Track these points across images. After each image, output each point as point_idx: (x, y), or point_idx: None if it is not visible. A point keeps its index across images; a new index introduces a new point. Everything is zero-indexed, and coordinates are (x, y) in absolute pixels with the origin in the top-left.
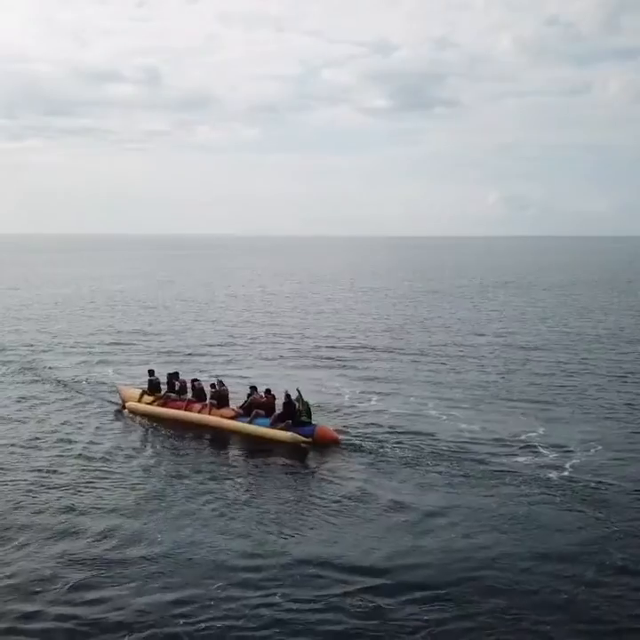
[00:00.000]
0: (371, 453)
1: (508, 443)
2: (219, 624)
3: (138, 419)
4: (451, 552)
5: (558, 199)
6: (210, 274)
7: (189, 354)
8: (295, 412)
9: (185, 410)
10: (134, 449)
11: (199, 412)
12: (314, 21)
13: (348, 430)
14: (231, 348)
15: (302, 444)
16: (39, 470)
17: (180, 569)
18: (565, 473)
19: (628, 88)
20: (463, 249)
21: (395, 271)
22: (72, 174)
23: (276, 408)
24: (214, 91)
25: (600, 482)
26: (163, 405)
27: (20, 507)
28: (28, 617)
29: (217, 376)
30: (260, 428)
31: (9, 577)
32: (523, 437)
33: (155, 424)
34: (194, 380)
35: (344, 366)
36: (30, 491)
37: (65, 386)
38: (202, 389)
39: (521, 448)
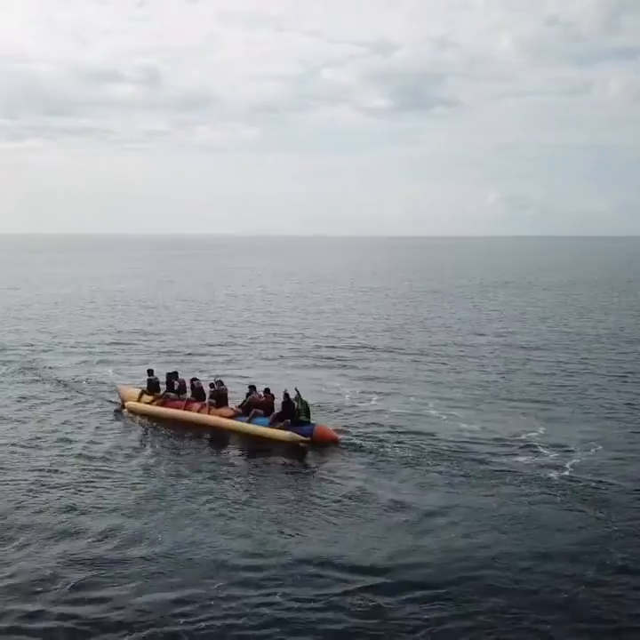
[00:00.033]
0: (371, 453)
1: (509, 442)
2: (219, 623)
3: (137, 418)
4: (451, 551)
5: (558, 199)
6: (210, 274)
7: (190, 354)
8: (294, 412)
9: (184, 409)
10: (134, 448)
11: (198, 411)
12: (314, 21)
13: (349, 430)
14: (231, 347)
15: (301, 444)
16: (39, 470)
17: (181, 568)
18: (566, 473)
19: (627, 88)
20: (463, 249)
21: (395, 271)
22: (72, 174)
23: (275, 407)
24: (214, 91)
25: (600, 481)
26: (162, 405)
27: (20, 506)
28: (30, 616)
29: (217, 376)
30: (259, 428)
31: (10, 576)
32: (523, 437)
33: (154, 423)
34: (193, 380)
35: (344, 366)
36: (31, 490)
37: (65, 386)
38: (201, 389)
39: (521, 448)
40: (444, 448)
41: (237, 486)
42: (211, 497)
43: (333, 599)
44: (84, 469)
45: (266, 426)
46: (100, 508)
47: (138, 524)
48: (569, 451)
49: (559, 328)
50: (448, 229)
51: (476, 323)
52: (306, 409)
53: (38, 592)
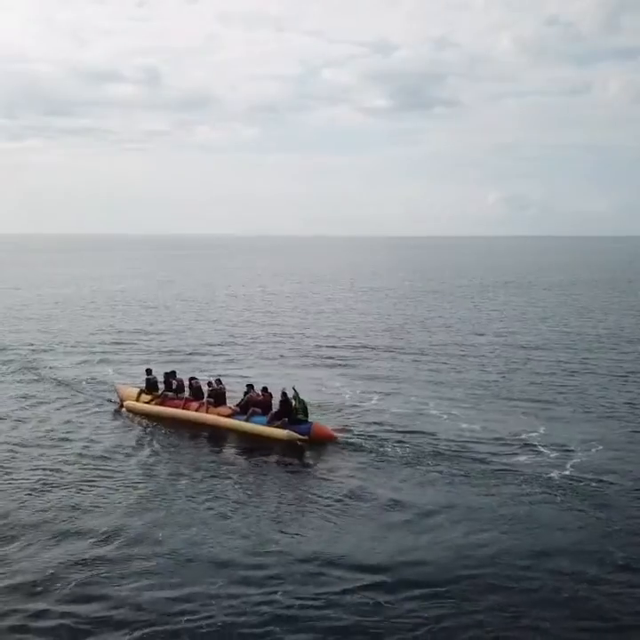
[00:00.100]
0: (371, 452)
1: (509, 442)
2: (220, 621)
3: (136, 418)
4: (451, 550)
5: (558, 199)
6: (210, 274)
7: (190, 353)
8: (292, 410)
9: (182, 408)
10: (132, 448)
11: (196, 410)
12: (314, 21)
13: (349, 429)
14: (232, 347)
15: (298, 442)
16: (39, 469)
17: (182, 567)
18: (566, 472)
19: (628, 88)
20: (463, 249)
21: (395, 271)
22: (72, 174)
23: (273, 406)
24: (214, 91)
25: (601, 481)
26: (160, 404)
27: (21, 505)
28: (31, 615)
29: (218, 375)
30: (257, 426)
31: (11, 576)
32: (523, 437)
33: (152, 423)
34: (191, 379)
35: (344, 366)
36: (31, 489)
37: (65, 385)
38: (199, 388)
39: (522, 447)
40: (445, 447)
41: (237, 485)
42: (210, 496)
43: (334, 597)
44: (84, 469)
45: (264, 425)
46: (100, 507)
47: (138, 523)
48: (569, 450)
49: (559, 328)
50: (448, 229)
51: (477, 322)
52: (303, 408)
53: (40, 591)
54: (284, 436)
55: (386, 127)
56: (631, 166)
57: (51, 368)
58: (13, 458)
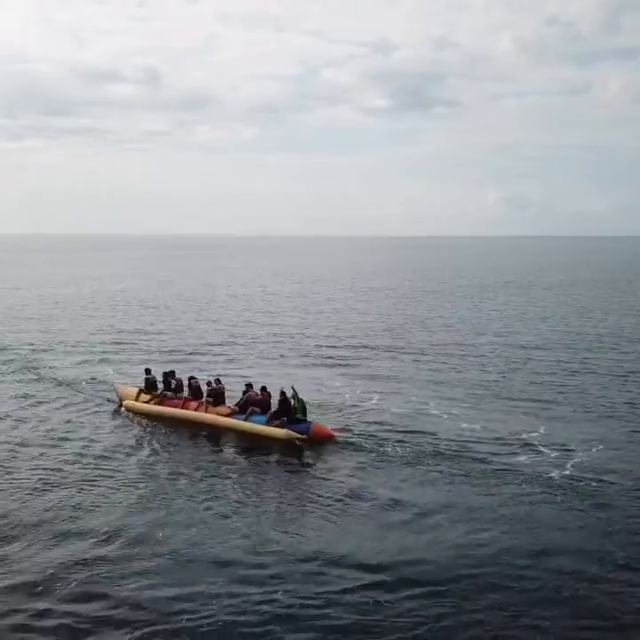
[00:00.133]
0: (372, 452)
1: (509, 442)
2: (221, 620)
3: (135, 417)
4: (452, 549)
5: (558, 199)
6: (210, 274)
7: (190, 353)
8: (290, 410)
9: (181, 408)
10: (132, 447)
11: (195, 409)
12: (314, 21)
13: (349, 429)
14: (232, 347)
15: (297, 441)
16: (39, 469)
17: (182, 566)
18: (566, 472)
19: (628, 88)
20: (463, 249)
21: (395, 271)
22: (72, 174)
23: (272, 406)
24: (214, 91)
25: (601, 480)
26: (159, 404)
27: (21, 505)
28: (32, 615)
29: (218, 375)
30: (256, 426)
31: (12, 575)
32: (524, 436)
33: (152, 422)
34: (191, 378)
35: (345, 365)
36: (31, 489)
37: (65, 385)
38: (198, 387)
39: (522, 447)
40: (445, 447)
41: (237, 485)
42: (210, 495)
43: (334, 596)
44: (84, 468)
45: (262, 424)
46: (101, 506)
47: (138, 522)
48: (570, 450)
49: (559, 328)
50: (448, 229)
51: (477, 322)
52: (302, 407)
53: (40, 590)
54: (282, 436)
55: (386, 127)
56: (631, 166)
57: (51, 368)
58: (13, 457)
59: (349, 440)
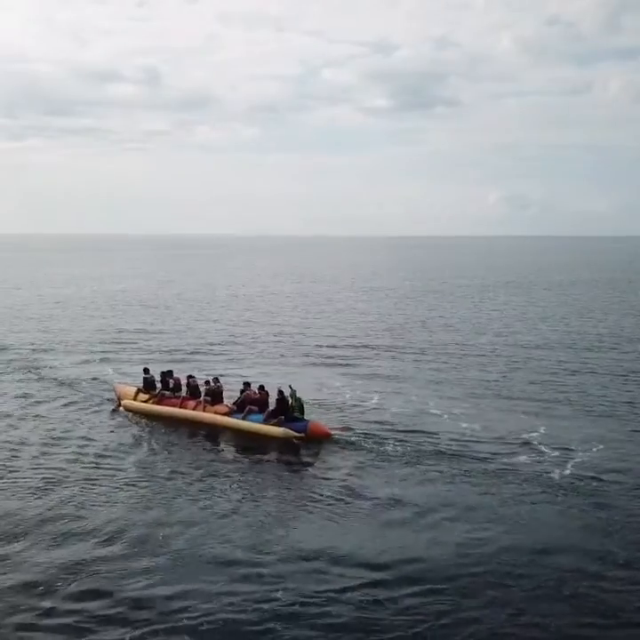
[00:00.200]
0: (372, 451)
1: (510, 441)
2: (222, 619)
3: (134, 417)
4: (452, 548)
5: (558, 199)
6: (210, 274)
7: (191, 353)
8: (288, 408)
9: (179, 407)
10: (132, 447)
11: (193, 408)
12: (314, 21)
13: (348, 428)
14: (232, 347)
15: (295, 440)
16: (40, 468)
17: (182, 565)
18: (567, 471)
19: (628, 88)
20: (463, 249)
21: (395, 271)
22: (72, 174)
23: (270, 404)
24: (214, 91)
25: (601, 480)
26: (157, 403)
27: (22, 505)
28: (35, 613)
29: (218, 375)
30: (254, 425)
31: (14, 574)
32: (524, 436)
33: (150, 422)
34: (189, 377)
35: (345, 365)
36: (31, 488)
37: (66, 385)
38: (196, 386)
39: (522, 446)
40: (445, 447)
41: (236, 483)
42: (209, 494)
43: (334, 595)
44: (84, 468)
45: (260, 423)
46: (101, 505)
47: (138, 521)
48: (570, 449)
49: (560, 327)
50: (448, 229)
51: (477, 322)
52: (300, 406)
53: (42, 589)
54: (280, 434)
55: (386, 127)
56: (631, 166)
57: (51, 368)
58: (14, 457)
59: (350, 439)
